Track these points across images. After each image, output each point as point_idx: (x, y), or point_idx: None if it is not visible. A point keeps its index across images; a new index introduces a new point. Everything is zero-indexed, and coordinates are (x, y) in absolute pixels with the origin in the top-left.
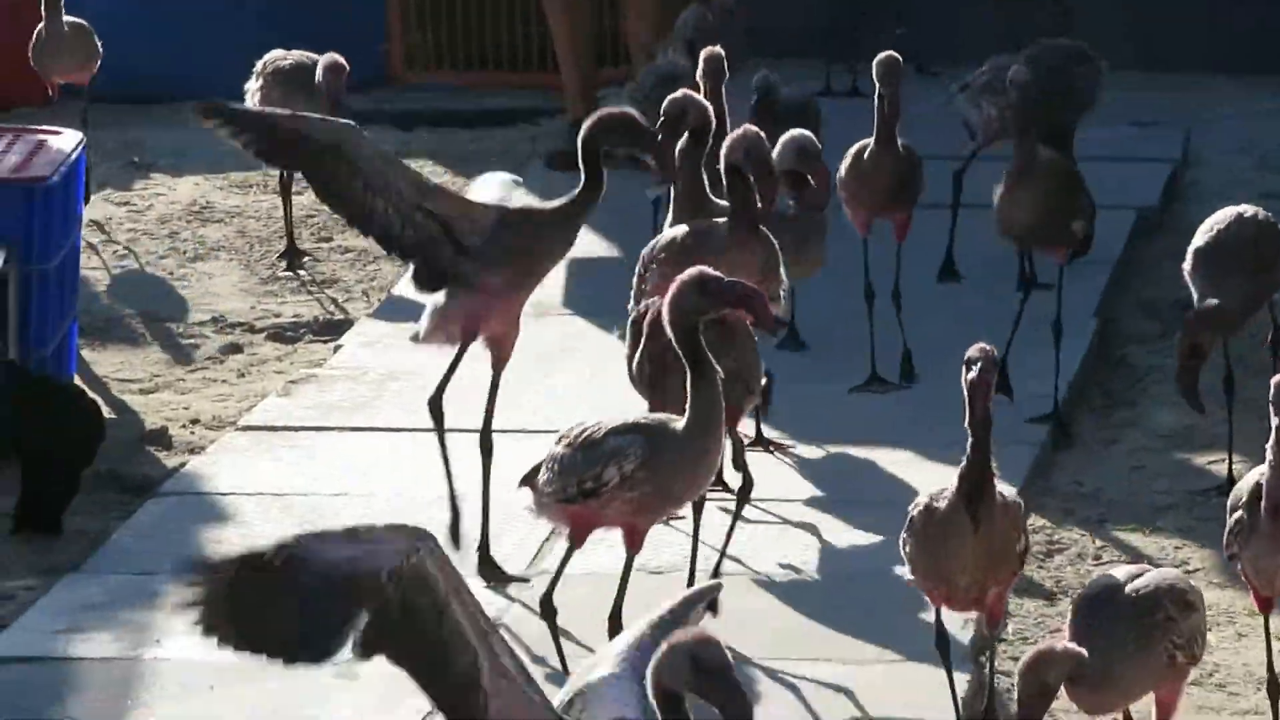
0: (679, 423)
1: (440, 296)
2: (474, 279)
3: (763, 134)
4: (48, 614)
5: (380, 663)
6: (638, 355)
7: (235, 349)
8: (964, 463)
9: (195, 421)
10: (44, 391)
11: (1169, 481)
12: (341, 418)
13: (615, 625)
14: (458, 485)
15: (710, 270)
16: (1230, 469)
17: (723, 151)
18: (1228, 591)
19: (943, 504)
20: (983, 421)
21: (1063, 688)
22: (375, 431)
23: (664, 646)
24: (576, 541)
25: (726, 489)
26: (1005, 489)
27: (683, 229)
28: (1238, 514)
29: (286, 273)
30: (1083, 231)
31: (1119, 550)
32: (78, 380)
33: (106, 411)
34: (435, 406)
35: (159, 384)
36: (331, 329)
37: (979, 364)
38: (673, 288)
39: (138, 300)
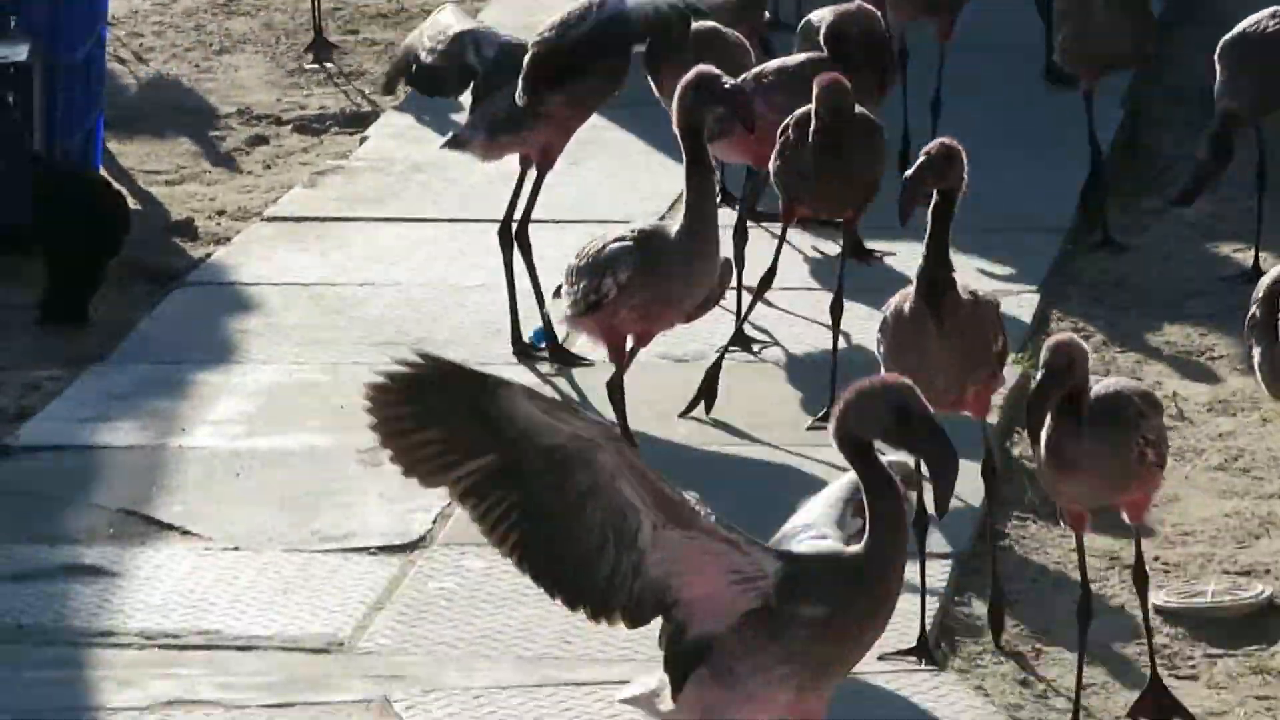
0: (674, 227)
1: (494, 111)
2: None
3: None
4: (74, 403)
5: None
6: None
7: (261, 140)
8: (920, 260)
9: (221, 213)
10: (70, 183)
11: (1195, 269)
12: (367, 209)
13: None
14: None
15: (708, 70)
16: (1257, 257)
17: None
18: (1251, 378)
19: (908, 305)
20: (938, 217)
21: (1049, 478)
22: (401, 222)
23: (852, 392)
24: (615, 355)
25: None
26: (981, 288)
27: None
28: (1253, 310)
29: (313, 65)
30: (1153, 49)
31: (1145, 336)
32: (104, 172)
33: (132, 203)
34: (505, 235)
35: (185, 175)
36: (357, 121)
37: (928, 156)
38: (678, 89)
39: (164, 93)
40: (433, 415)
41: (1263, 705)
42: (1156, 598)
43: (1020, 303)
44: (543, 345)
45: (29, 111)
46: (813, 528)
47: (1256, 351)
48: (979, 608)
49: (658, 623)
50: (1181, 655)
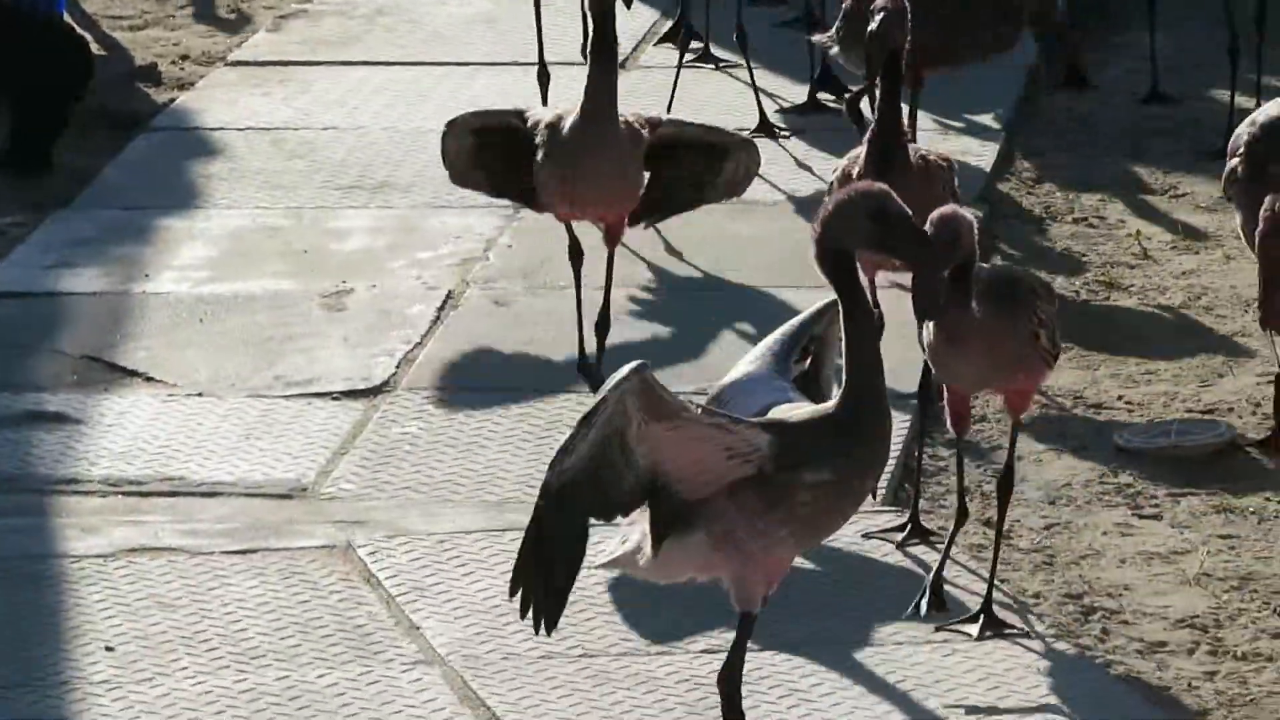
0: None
1: None
2: None
3: None
4: (38, 249)
5: (365, 297)
6: None
7: None
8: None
9: (185, 57)
10: (31, 27)
11: (1159, 106)
12: (330, 52)
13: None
14: None
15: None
16: (1233, 99)
17: None
18: (1216, 215)
19: (857, 169)
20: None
21: (937, 354)
22: (364, 65)
23: (829, 205)
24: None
25: None
26: (943, 146)
27: None
28: (1234, 162)
29: None
30: None
31: (1108, 173)
32: (67, 17)
33: (96, 48)
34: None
35: (148, 20)
36: None
37: (882, 14)
38: None
39: None
40: None
41: (1225, 543)
42: (1120, 437)
43: (984, 145)
44: None
45: None
46: (759, 380)
47: (1239, 215)
48: (941, 450)
49: None
50: (1145, 495)
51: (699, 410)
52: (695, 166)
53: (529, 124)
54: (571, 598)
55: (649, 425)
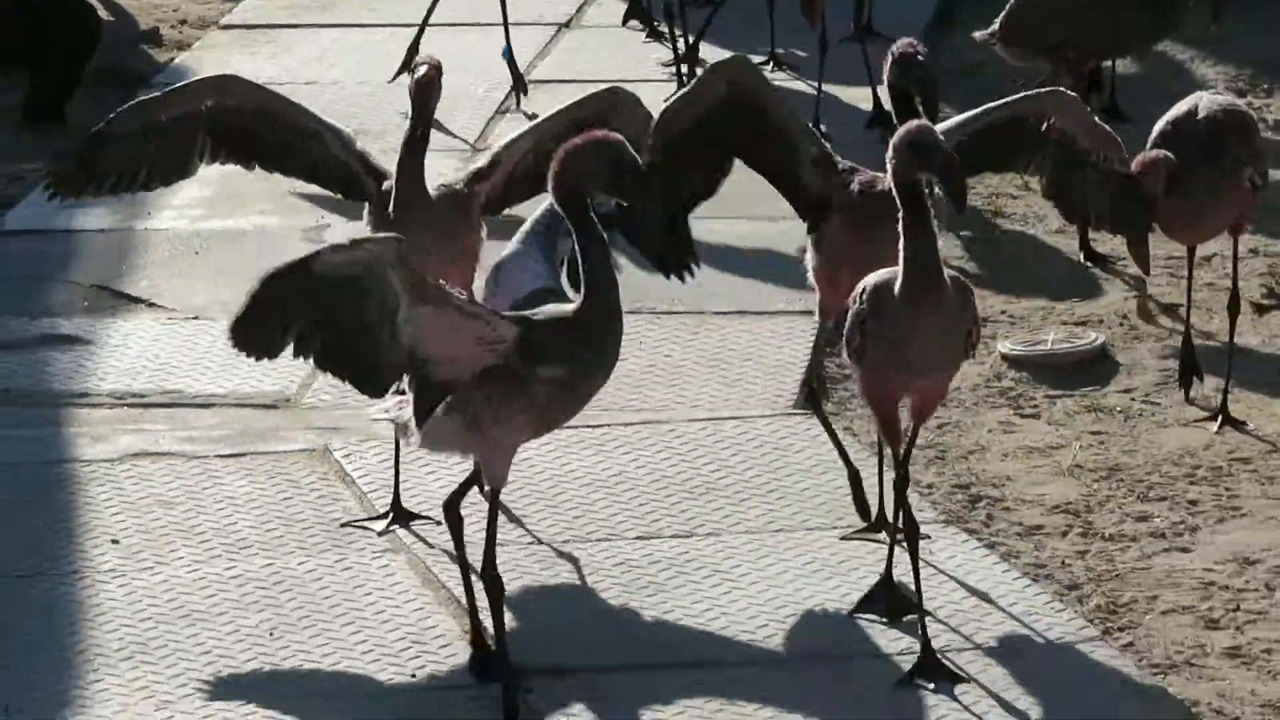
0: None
1: None
2: None
3: None
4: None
5: (341, 230)
6: None
7: None
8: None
9: (183, 22)
10: None
11: None
12: (311, 16)
13: None
14: None
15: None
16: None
17: None
18: None
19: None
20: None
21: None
22: (341, 28)
23: (565, 150)
24: None
25: None
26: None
27: None
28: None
29: None
30: None
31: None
32: None
33: (104, 14)
34: None
35: None
36: None
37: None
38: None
39: None
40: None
41: (1095, 439)
42: (1003, 346)
43: None
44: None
45: None
46: (526, 255)
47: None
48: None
49: None
50: (1025, 396)
51: (460, 297)
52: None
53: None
54: (521, 492)
55: (416, 308)
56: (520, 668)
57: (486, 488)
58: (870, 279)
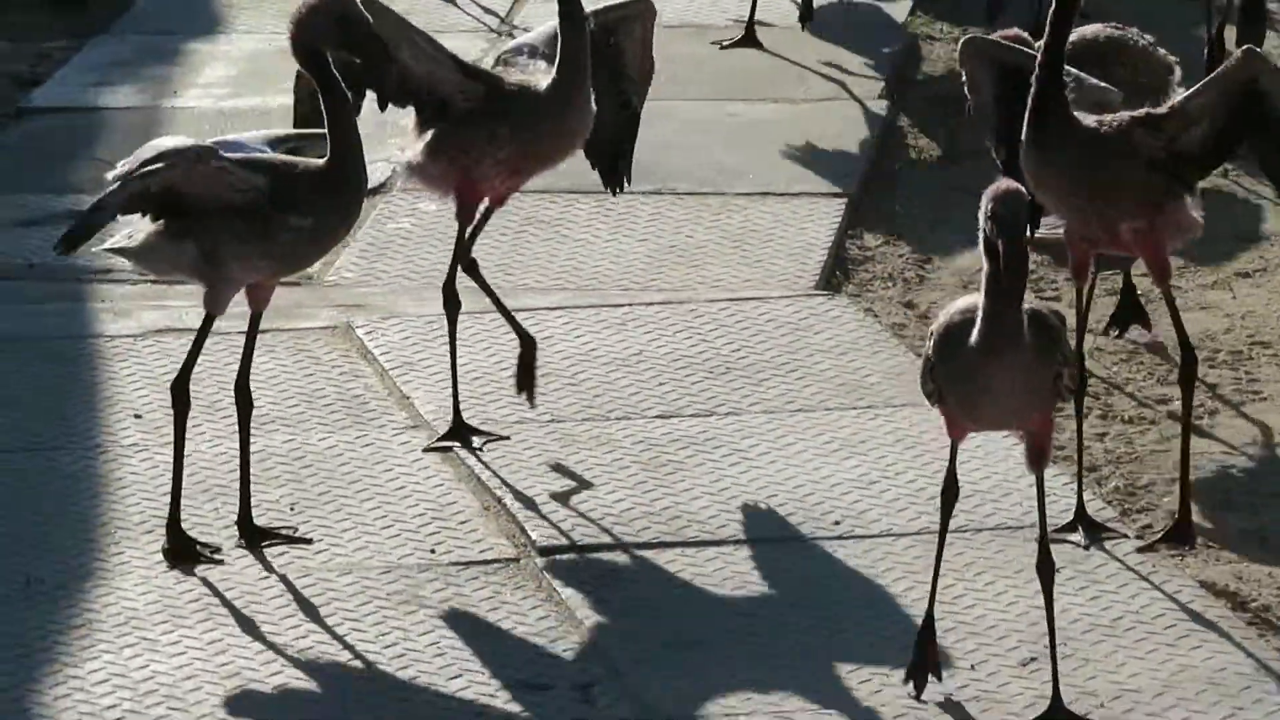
0: (545, 80)
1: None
2: None
3: None
4: (80, 70)
5: (367, 109)
6: None
7: None
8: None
9: None
10: None
11: None
12: None
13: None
14: None
15: None
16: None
17: None
18: None
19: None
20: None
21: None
22: None
23: (300, 8)
24: (464, 215)
25: None
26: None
27: None
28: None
29: None
30: None
31: None
32: None
33: None
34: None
35: None
36: None
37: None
38: None
39: None
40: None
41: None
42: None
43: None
44: None
45: None
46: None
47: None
48: (869, 239)
49: (600, 267)
50: (1046, 280)
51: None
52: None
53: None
54: (541, 371)
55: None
56: (540, 544)
57: (206, 311)
58: (942, 319)
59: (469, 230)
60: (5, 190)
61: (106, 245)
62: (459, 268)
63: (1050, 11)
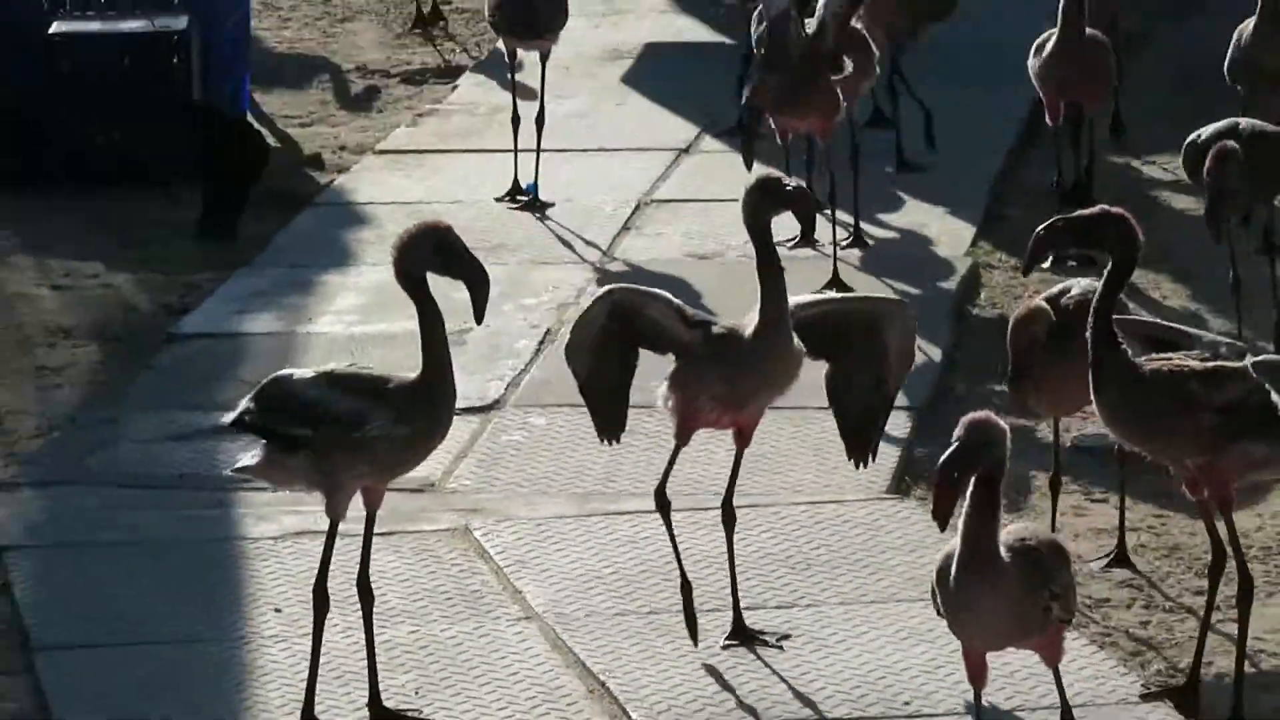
0: (749, 327)
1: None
2: None
3: None
4: (224, 299)
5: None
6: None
7: (374, 91)
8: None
9: (342, 148)
10: (221, 124)
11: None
12: (457, 143)
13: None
14: None
15: (771, 175)
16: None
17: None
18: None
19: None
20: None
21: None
22: (484, 153)
23: (400, 238)
24: (681, 436)
25: None
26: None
27: None
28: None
29: (415, 30)
30: None
31: None
32: (249, 116)
33: (272, 141)
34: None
35: (314, 119)
36: (450, 74)
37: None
38: (744, 193)
39: (299, 53)
40: None
41: (1158, 521)
42: (1078, 436)
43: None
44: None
45: (189, 69)
46: None
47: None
48: (934, 450)
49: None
50: (1094, 482)
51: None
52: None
53: (689, 322)
54: (640, 568)
55: None
56: None
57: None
58: (947, 549)
59: (677, 450)
60: (157, 408)
61: (235, 467)
62: (665, 480)
63: (1106, 273)
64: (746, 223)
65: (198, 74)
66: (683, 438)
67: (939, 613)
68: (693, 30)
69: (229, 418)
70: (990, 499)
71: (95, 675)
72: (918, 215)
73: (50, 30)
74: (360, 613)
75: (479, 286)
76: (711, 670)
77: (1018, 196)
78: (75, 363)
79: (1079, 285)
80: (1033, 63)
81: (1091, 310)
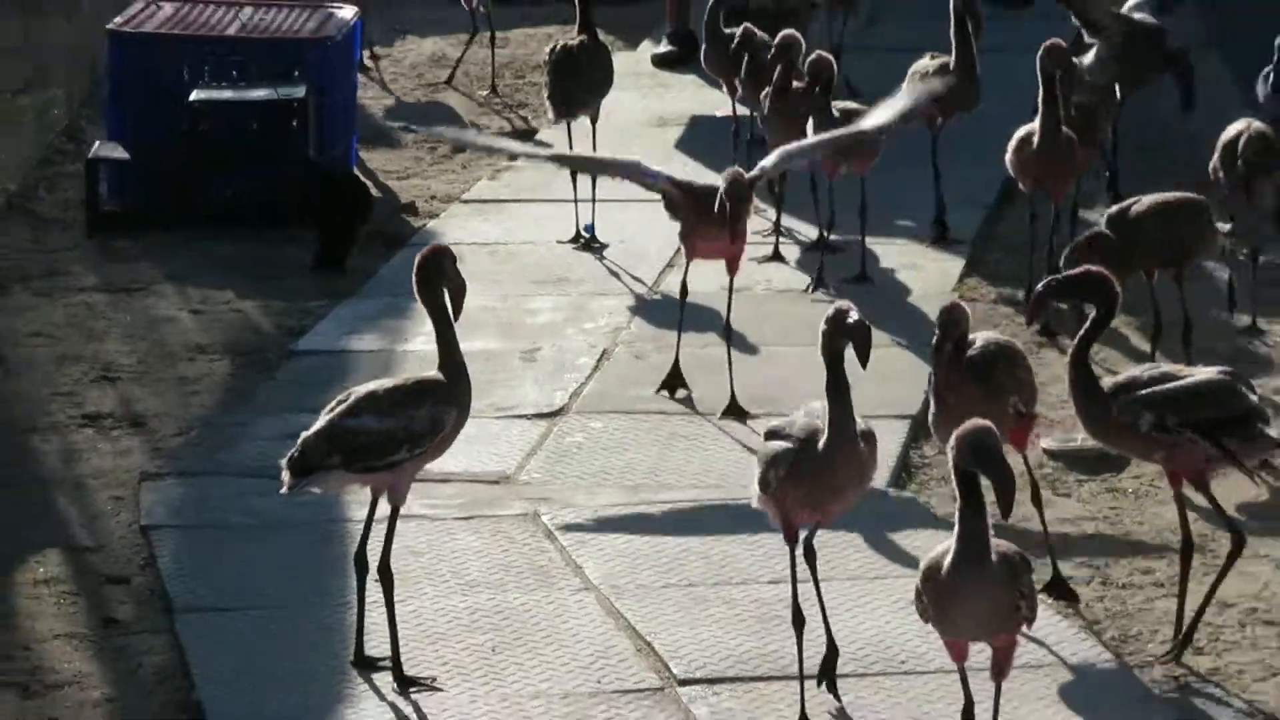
0: (823, 438)
1: None
2: None
3: None
4: (335, 322)
5: (549, 353)
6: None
7: (460, 149)
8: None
9: (434, 197)
10: (333, 179)
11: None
12: (530, 193)
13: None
14: None
15: (844, 307)
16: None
17: None
18: None
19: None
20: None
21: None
22: (551, 202)
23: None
24: (786, 533)
25: None
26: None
27: None
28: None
29: (493, 98)
30: None
31: None
32: (356, 170)
33: (375, 191)
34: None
35: (410, 172)
36: (523, 136)
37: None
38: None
39: (397, 118)
40: None
41: (1113, 512)
42: (1045, 442)
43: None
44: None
45: (306, 130)
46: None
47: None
48: (927, 450)
49: (725, 471)
50: (1060, 480)
51: None
52: None
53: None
54: (681, 546)
55: None
56: (680, 677)
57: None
58: (931, 554)
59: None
60: (277, 412)
61: (300, 485)
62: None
63: (1091, 319)
64: (823, 353)
65: (314, 135)
66: (788, 537)
67: (923, 616)
68: (725, 103)
69: (315, 486)
70: (980, 505)
71: (224, 633)
72: (911, 256)
73: (191, 97)
74: (451, 583)
75: (459, 293)
76: (740, 632)
77: (997, 244)
78: (210, 374)
79: (984, 337)
80: (1011, 159)
81: (1072, 349)
